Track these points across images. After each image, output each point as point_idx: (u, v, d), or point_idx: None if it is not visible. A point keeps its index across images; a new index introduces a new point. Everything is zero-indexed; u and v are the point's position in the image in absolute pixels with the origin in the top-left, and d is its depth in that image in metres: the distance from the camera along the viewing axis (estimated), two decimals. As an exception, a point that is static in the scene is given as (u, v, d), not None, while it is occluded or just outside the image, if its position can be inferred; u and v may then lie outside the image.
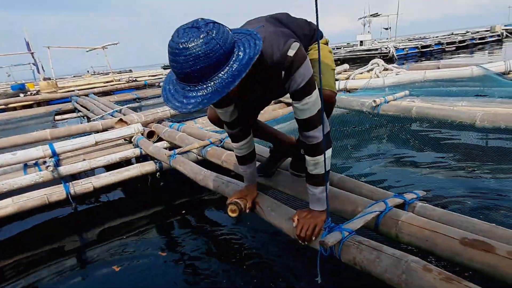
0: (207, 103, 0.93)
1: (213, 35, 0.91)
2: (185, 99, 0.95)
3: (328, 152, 1.25)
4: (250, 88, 1.21)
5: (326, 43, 1.49)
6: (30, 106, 8.20)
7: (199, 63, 0.90)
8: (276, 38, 1.11)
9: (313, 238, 1.24)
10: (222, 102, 1.31)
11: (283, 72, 1.11)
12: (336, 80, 5.26)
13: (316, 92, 1.15)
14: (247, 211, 1.52)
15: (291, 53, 1.08)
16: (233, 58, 0.95)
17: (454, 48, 18.41)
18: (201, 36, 0.89)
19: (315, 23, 1.17)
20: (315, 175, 1.27)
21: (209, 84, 0.93)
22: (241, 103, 1.42)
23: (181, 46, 0.89)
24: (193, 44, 0.89)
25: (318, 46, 1.07)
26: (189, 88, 0.94)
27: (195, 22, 0.93)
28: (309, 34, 1.36)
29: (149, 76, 13.44)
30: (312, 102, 1.16)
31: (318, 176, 1.26)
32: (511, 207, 1.90)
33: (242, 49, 0.98)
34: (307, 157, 1.27)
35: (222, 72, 0.93)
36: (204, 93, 0.93)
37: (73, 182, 2.66)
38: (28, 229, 2.65)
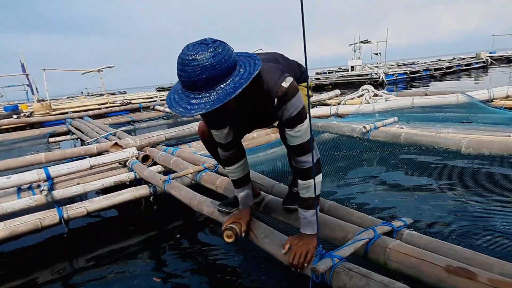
0: (209, 108, 1.01)
1: (220, 50, 1.02)
2: (189, 105, 1.04)
3: (318, 177, 1.33)
4: (245, 109, 1.30)
5: (310, 87, 1.60)
6: (23, 128, 8.18)
7: (205, 73, 1.00)
8: (272, 70, 1.23)
9: (305, 265, 1.28)
10: (219, 121, 1.40)
11: (276, 100, 1.21)
12: (328, 105, 5.40)
13: (307, 121, 1.24)
14: (243, 235, 1.55)
15: (285, 84, 1.19)
16: (235, 73, 1.06)
17: (441, 74, 18.95)
18: (209, 51, 1.01)
19: (304, 65, 1.29)
20: (306, 198, 1.33)
21: (212, 93, 1.03)
22: (236, 126, 1.49)
23: (190, 58, 1.00)
24: (201, 56, 1.00)
25: (307, 83, 1.15)
26: (193, 95, 1.04)
27: (203, 40, 1.05)
28: (299, 76, 1.47)
29: (143, 98, 13.54)
30: (304, 130, 1.25)
31: (309, 199, 1.33)
32: (495, 233, 1.96)
33: (243, 66, 1.09)
34: (299, 181, 1.34)
35: (225, 84, 1.04)
36: (207, 100, 1.03)
37: (66, 206, 2.65)
38: (17, 251, 2.62)
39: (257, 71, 1.08)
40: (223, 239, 1.49)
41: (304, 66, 1.20)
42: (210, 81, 1.02)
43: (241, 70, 1.08)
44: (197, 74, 1.00)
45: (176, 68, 1.06)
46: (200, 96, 1.03)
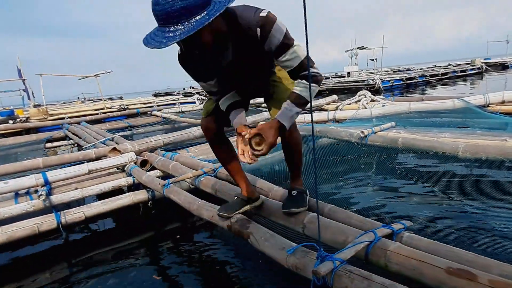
0: (183, 36, 1.05)
1: None
2: (164, 39, 1.07)
3: (315, 90, 1.39)
4: (232, 56, 1.35)
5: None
6: (19, 133, 8.15)
7: (178, 3, 1.04)
8: (248, 7, 1.29)
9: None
10: (206, 71, 1.45)
11: (258, 30, 1.26)
12: (325, 110, 5.43)
13: (297, 42, 1.31)
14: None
15: (263, 14, 1.25)
16: (210, 8, 1.10)
17: (437, 80, 19.11)
18: None
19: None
20: (302, 96, 1.36)
21: (186, 25, 1.07)
22: (227, 80, 1.52)
23: None
24: None
25: (308, 66, 1.17)
26: (168, 29, 1.08)
27: None
28: None
29: (140, 104, 13.54)
30: (297, 49, 1.31)
31: (303, 99, 1.36)
32: (493, 236, 1.97)
33: (218, 2, 1.13)
34: (302, 80, 1.36)
35: (199, 16, 1.08)
36: (181, 31, 1.06)
37: (64, 211, 2.64)
38: (15, 259, 2.60)
39: (233, 3, 1.13)
40: (253, 148, 1.36)
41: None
42: (184, 12, 1.05)
43: (215, 6, 1.12)
44: (170, 5, 1.04)
45: (151, 8, 1.09)
46: (175, 29, 1.07)
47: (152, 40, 1.09)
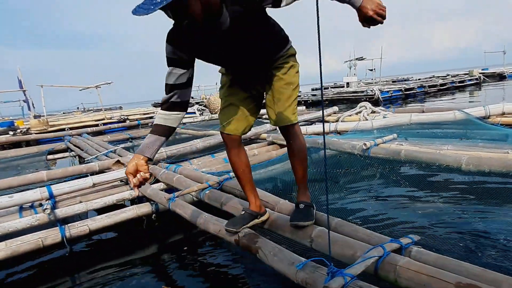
0: None
1: None
2: (152, 5, 1.09)
3: None
4: (220, 19, 1.33)
5: (294, 54, 1.68)
6: (19, 145, 8.16)
7: None
8: None
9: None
10: (198, 49, 1.44)
11: None
12: (327, 122, 5.46)
13: None
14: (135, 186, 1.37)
15: None
16: None
17: (436, 91, 19.22)
18: None
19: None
20: None
21: None
22: (220, 51, 1.50)
23: None
24: None
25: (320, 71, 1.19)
26: None
27: None
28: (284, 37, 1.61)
29: (140, 114, 13.59)
30: None
31: None
32: (499, 249, 1.98)
33: None
34: None
35: None
36: None
37: (69, 225, 2.64)
38: (18, 271, 2.58)
39: None
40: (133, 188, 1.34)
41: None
42: None
43: None
44: None
45: None
46: None
47: (140, 9, 1.10)
